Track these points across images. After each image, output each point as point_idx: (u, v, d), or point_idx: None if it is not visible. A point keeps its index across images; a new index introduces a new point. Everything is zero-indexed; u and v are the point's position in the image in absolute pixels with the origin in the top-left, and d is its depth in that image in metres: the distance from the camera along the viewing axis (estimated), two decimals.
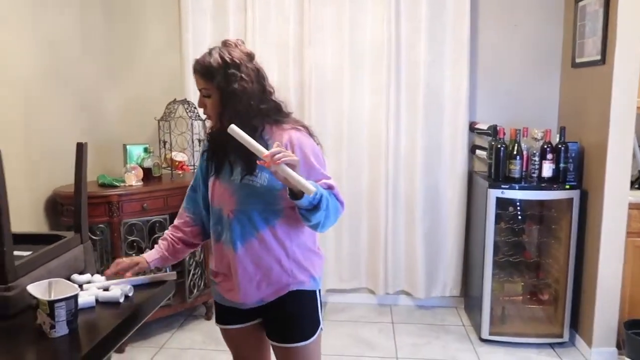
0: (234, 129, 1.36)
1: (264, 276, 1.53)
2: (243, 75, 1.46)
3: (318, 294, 1.62)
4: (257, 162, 1.36)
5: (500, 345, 2.90)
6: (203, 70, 1.47)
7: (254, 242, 1.51)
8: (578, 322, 2.87)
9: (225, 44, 1.51)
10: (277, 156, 1.31)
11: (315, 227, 1.48)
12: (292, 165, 1.32)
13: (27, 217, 2.54)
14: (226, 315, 1.65)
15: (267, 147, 1.38)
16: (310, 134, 1.55)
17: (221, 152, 1.54)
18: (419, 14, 3.15)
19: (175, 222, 1.71)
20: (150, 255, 1.61)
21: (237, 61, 1.46)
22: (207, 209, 1.63)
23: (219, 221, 1.55)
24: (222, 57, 1.46)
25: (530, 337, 2.92)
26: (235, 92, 1.45)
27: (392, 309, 3.43)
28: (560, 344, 2.89)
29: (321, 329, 1.61)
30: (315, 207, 1.39)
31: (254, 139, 1.38)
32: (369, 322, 3.23)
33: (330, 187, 1.48)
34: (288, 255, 1.54)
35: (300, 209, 1.42)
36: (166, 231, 1.70)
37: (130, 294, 1.40)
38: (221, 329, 1.70)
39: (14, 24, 2.40)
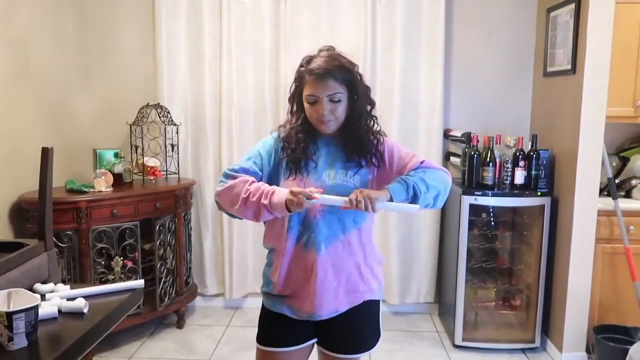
0: (322, 198, 1.36)
1: (341, 283, 1.49)
2: (361, 75, 1.50)
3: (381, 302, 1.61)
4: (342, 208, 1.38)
5: (473, 351, 2.91)
6: (342, 73, 1.44)
7: (338, 244, 1.47)
8: (549, 328, 2.91)
9: (328, 48, 1.52)
10: (359, 205, 1.33)
11: (428, 207, 1.49)
12: (373, 199, 1.34)
13: None
14: (279, 335, 1.54)
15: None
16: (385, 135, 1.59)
17: (309, 153, 1.48)
18: (395, 19, 3.16)
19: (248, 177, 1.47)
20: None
21: (354, 63, 1.49)
22: None
23: (302, 222, 1.47)
24: (347, 60, 1.47)
25: (502, 342, 2.95)
26: (363, 93, 1.49)
27: None
28: (532, 349, 2.93)
29: None
30: (414, 197, 1.43)
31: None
32: None
33: (421, 162, 1.50)
34: (365, 261, 1.52)
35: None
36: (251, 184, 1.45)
37: (85, 310, 1.30)
38: (266, 352, 1.55)
39: None
